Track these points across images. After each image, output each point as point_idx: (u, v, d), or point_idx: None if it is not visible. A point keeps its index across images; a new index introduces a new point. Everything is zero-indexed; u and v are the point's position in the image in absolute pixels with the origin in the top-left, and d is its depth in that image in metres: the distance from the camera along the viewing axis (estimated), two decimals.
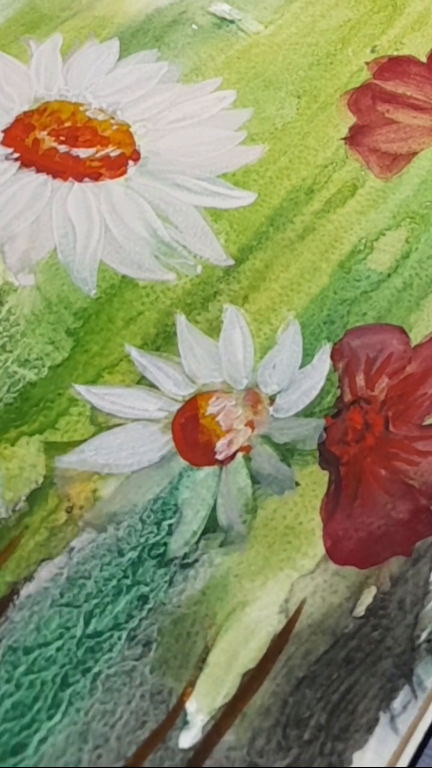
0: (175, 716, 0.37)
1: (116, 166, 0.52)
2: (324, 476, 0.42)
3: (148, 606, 0.39)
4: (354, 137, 0.54)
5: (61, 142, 0.53)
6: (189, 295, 0.48)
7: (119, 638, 0.39)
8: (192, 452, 0.43)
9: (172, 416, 0.44)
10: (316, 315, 0.47)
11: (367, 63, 0.57)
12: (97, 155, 0.52)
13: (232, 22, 0.59)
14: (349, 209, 0.51)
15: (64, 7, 0.60)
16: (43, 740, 0.36)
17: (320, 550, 0.41)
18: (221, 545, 0.40)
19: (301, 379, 0.45)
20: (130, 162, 0.52)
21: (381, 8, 0.60)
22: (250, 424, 0.44)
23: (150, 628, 0.39)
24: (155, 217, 0.50)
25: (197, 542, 0.41)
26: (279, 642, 0.38)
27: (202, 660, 0.38)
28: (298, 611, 0.39)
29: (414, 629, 0.39)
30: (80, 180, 0.51)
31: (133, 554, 0.40)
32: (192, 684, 0.38)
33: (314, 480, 0.42)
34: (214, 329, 0.47)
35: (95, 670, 0.38)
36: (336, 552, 0.40)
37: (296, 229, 0.50)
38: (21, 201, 0.50)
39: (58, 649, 0.38)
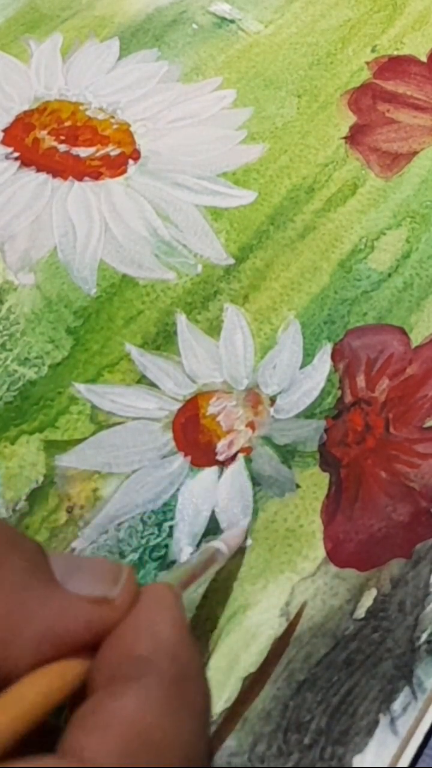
0: None
1: (116, 166, 0.52)
2: (324, 478, 0.42)
3: None
4: (354, 136, 0.54)
5: (61, 142, 0.53)
6: (189, 294, 0.48)
7: None
8: (193, 452, 0.43)
9: (173, 415, 0.44)
10: (317, 315, 0.47)
11: (367, 62, 0.57)
12: (97, 154, 0.52)
13: (232, 21, 0.59)
14: (349, 208, 0.51)
15: (64, 6, 0.59)
16: None
17: (321, 552, 0.41)
18: None
19: (301, 380, 0.45)
20: (131, 161, 0.52)
21: (381, 8, 0.60)
22: (251, 425, 0.44)
23: None
24: (155, 216, 0.50)
25: (198, 544, 0.41)
26: (280, 645, 0.38)
27: (204, 664, 0.38)
28: (298, 614, 0.39)
29: (414, 631, 0.39)
30: (80, 179, 0.51)
31: (134, 556, 0.40)
32: None
33: (315, 482, 0.42)
34: (214, 329, 0.47)
35: None
36: (336, 554, 0.41)
37: (297, 228, 0.50)
38: (21, 200, 0.50)
39: None
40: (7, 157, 0.52)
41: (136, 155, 0.52)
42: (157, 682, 0.28)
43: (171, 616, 0.30)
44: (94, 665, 0.29)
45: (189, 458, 0.43)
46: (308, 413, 0.44)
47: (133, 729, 0.26)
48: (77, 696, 0.29)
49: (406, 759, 0.36)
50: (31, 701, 0.28)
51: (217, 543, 0.39)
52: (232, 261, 0.49)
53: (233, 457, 0.43)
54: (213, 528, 0.41)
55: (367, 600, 0.40)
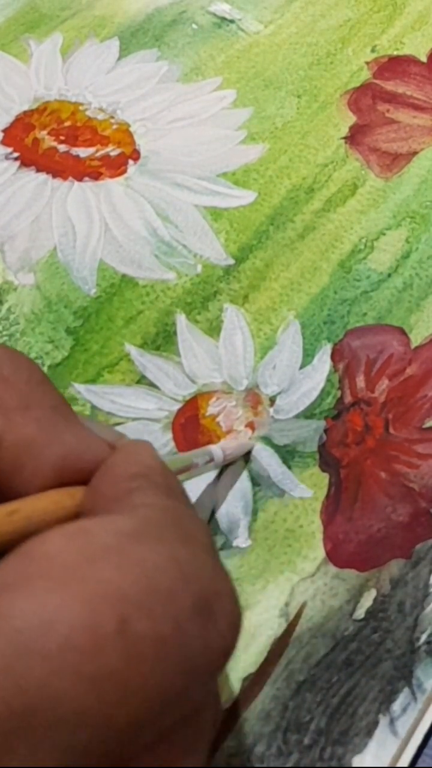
0: None
1: (116, 166, 0.52)
2: (324, 479, 0.42)
3: None
4: (354, 136, 0.54)
5: (61, 142, 0.53)
6: (189, 294, 0.48)
7: None
8: None
9: (173, 416, 0.44)
10: (317, 315, 0.47)
11: (367, 62, 0.57)
12: (97, 154, 0.52)
13: (232, 21, 0.59)
14: (349, 208, 0.51)
15: (63, 6, 0.59)
16: None
17: (320, 553, 0.41)
18: (221, 549, 0.40)
19: (301, 380, 0.45)
20: (130, 161, 0.52)
21: (381, 8, 0.60)
22: (251, 426, 0.44)
23: None
24: (155, 216, 0.50)
25: None
26: (279, 646, 0.38)
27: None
28: (298, 615, 0.39)
29: (414, 631, 0.39)
30: (80, 179, 0.51)
31: None
32: None
33: (314, 482, 0.42)
34: (214, 329, 0.47)
35: None
36: (336, 555, 0.40)
37: (296, 228, 0.50)
38: (21, 200, 0.50)
39: None
40: (6, 157, 0.52)
41: (135, 155, 0.52)
42: (155, 490, 0.29)
43: (153, 454, 0.31)
44: (87, 493, 0.30)
45: None
46: (308, 413, 0.44)
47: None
48: None
49: (406, 759, 0.36)
50: (39, 508, 0.29)
51: (215, 447, 0.40)
52: (231, 261, 0.49)
53: None
54: (212, 528, 0.41)
55: (367, 600, 0.40)
